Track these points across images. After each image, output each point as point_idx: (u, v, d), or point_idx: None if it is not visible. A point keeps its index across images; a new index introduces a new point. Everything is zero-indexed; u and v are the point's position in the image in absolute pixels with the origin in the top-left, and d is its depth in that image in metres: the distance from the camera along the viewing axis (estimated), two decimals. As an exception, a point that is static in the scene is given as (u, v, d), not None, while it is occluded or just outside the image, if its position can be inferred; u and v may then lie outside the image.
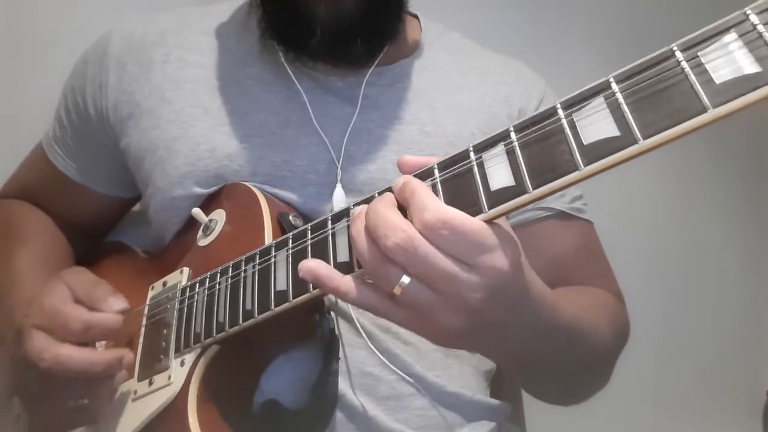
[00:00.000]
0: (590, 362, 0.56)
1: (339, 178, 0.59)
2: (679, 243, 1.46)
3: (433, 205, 0.37)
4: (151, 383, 0.52)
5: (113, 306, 0.52)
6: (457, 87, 0.66)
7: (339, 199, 0.57)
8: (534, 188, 0.35)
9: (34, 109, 0.76)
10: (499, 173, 0.37)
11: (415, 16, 0.71)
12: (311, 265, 0.41)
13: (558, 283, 0.60)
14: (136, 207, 0.74)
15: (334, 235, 0.44)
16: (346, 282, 0.40)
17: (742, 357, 1.49)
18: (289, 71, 0.62)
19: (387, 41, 0.62)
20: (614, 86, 0.34)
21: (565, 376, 0.56)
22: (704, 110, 0.30)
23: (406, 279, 0.37)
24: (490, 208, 0.36)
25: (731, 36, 0.31)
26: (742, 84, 0.30)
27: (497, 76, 0.69)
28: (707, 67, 0.31)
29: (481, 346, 0.48)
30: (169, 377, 0.51)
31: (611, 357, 0.61)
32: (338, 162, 0.59)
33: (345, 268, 0.42)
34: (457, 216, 0.36)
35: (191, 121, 0.60)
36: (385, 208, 0.38)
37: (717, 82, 0.30)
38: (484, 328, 0.40)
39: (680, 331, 1.37)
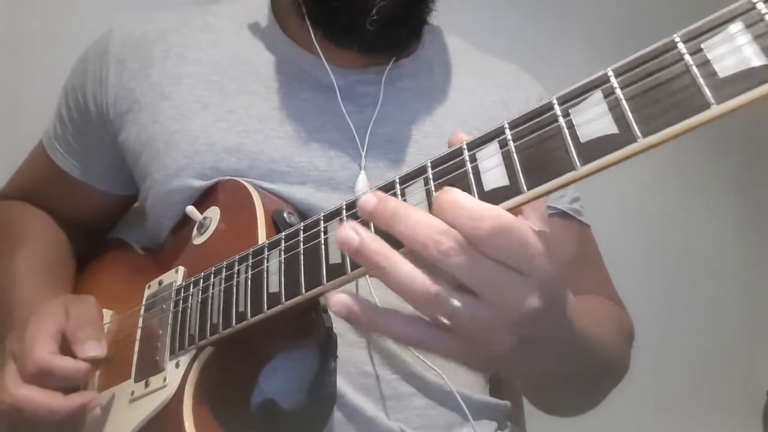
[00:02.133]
0: (605, 372, 0.55)
1: (363, 165, 0.58)
2: (678, 243, 1.46)
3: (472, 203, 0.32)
4: (147, 384, 0.52)
5: (86, 351, 0.50)
6: (456, 88, 0.66)
7: (362, 188, 0.56)
8: (528, 188, 0.33)
9: (34, 108, 0.76)
10: (492, 173, 0.35)
11: None
12: (343, 299, 0.35)
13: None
14: (136, 204, 0.74)
15: (326, 234, 0.43)
16: (385, 316, 0.35)
17: (742, 357, 1.49)
18: (323, 60, 0.61)
19: (423, 32, 0.63)
20: (613, 80, 0.32)
21: (581, 387, 0.53)
22: (707, 106, 0.28)
23: (456, 301, 0.33)
24: (483, 209, 0.35)
25: (737, 26, 0.29)
26: (749, 78, 0.28)
27: (496, 79, 0.69)
28: (711, 59, 0.29)
29: (522, 365, 0.40)
30: (165, 379, 0.50)
31: (623, 365, 0.60)
32: (362, 150, 0.59)
33: (338, 270, 0.41)
34: (503, 215, 0.32)
35: (190, 116, 0.60)
36: (416, 211, 0.33)
37: (721, 75, 0.28)
38: (532, 344, 0.36)
39: (680, 331, 1.37)
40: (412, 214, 0.33)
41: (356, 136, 0.59)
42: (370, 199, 0.34)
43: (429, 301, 0.33)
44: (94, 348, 0.51)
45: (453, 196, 0.33)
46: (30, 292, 0.61)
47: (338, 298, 0.35)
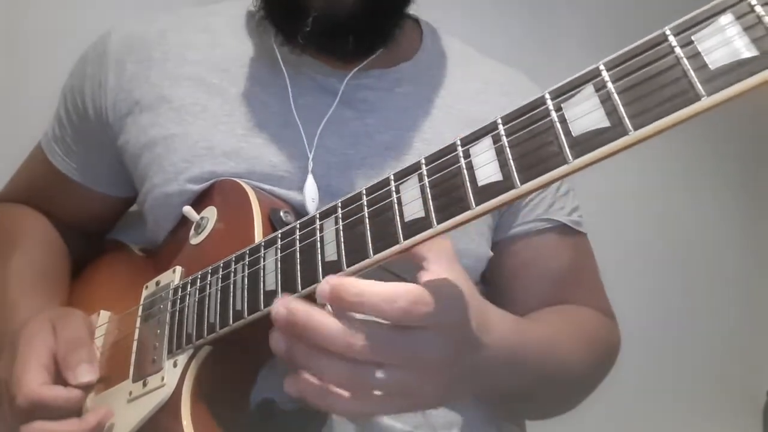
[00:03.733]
0: (568, 382, 0.57)
1: (310, 168, 0.58)
2: (678, 242, 1.45)
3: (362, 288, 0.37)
4: (145, 384, 0.52)
5: (78, 377, 0.50)
6: (456, 94, 0.65)
7: (310, 190, 0.57)
8: (522, 183, 0.33)
9: (34, 109, 0.76)
10: (486, 168, 0.35)
11: (416, 20, 0.69)
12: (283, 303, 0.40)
13: (545, 298, 0.62)
14: (134, 207, 0.74)
15: (322, 232, 0.43)
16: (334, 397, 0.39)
17: (742, 357, 1.48)
18: (279, 59, 0.61)
19: (380, 44, 0.61)
20: (604, 74, 0.32)
21: (544, 398, 0.57)
22: (698, 98, 0.29)
23: (380, 374, 0.37)
24: (477, 204, 0.35)
25: (727, 18, 0.29)
26: (739, 69, 0.28)
27: (497, 86, 0.68)
28: (701, 51, 0.29)
29: (465, 394, 0.50)
30: (162, 378, 0.50)
31: (592, 375, 0.61)
32: (310, 153, 0.58)
33: (334, 267, 0.41)
34: (387, 288, 0.37)
35: (190, 119, 0.60)
36: (320, 317, 0.38)
37: (711, 67, 0.28)
38: (466, 377, 0.42)
39: (680, 331, 1.36)
40: (319, 325, 0.38)
41: (356, 142, 0.59)
42: (280, 311, 0.39)
43: (351, 377, 0.38)
44: (86, 373, 0.50)
45: (354, 288, 0.37)
46: (22, 298, 0.61)
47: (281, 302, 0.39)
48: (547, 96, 0.34)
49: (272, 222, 0.52)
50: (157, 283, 0.56)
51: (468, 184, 0.35)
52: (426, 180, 0.38)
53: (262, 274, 0.46)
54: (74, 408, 0.50)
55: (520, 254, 0.64)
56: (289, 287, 0.43)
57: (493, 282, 0.65)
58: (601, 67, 0.32)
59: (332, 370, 0.38)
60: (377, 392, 0.38)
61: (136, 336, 0.56)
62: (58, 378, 0.51)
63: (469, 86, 0.67)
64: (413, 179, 0.39)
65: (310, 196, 0.56)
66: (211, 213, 0.56)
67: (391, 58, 0.63)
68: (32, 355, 0.50)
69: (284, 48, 0.61)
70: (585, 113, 0.32)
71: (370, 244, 0.39)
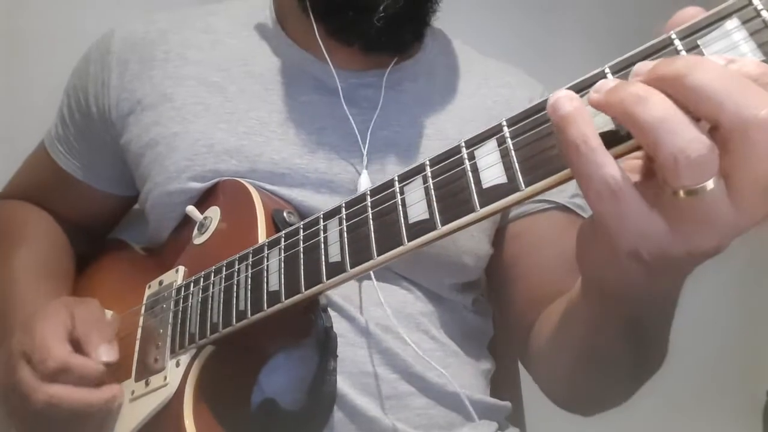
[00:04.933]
0: (661, 351, 0.52)
1: (365, 164, 0.58)
2: None
3: None
4: (147, 384, 0.52)
5: (101, 355, 0.51)
6: (457, 91, 0.66)
7: (364, 186, 0.57)
8: (527, 185, 0.33)
9: (35, 109, 0.76)
10: (491, 170, 0.35)
11: None
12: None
13: (564, 280, 0.56)
14: (136, 206, 0.74)
15: (326, 233, 0.43)
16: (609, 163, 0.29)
17: (742, 357, 1.48)
18: (328, 61, 0.61)
19: (425, 34, 0.63)
20: (609, 76, 0.32)
21: (646, 356, 0.50)
22: None
23: (709, 184, 0.27)
24: (482, 206, 0.35)
25: (733, 22, 0.29)
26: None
27: (498, 79, 0.69)
28: (706, 54, 0.29)
29: (681, 279, 0.38)
30: (165, 378, 0.50)
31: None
32: (364, 148, 0.59)
33: (337, 267, 0.41)
34: None
35: (191, 118, 0.60)
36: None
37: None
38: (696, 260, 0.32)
39: (680, 331, 1.36)
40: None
41: (359, 138, 0.59)
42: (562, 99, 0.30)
43: (694, 162, 0.27)
44: (108, 352, 0.51)
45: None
46: (28, 292, 0.62)
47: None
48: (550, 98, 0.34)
49: (275, 222, 0.52)
50: (160, 283, 0.57)
51: (473, 186, 0.35)
52: (430, 182, 0.38)
53: (265, 275, 0.46)
54: (94, 381, 0.51)
55: (525, 235, 0.64)
56: (292, 288, 0.44)
57: (498, 267, 0.65)
58: (607, 70, 0.32)
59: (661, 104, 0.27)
60: (681, 192, 0.28)
61: (138, 335, 0.56)
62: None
63: (469, 82, 0.67)
64: (417, 181, 0.39)
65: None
66: (214, 213, 0.56)
67: (392, 57, 0.64)
68: (51, 330, 0.51)
69: (290, 42, 0.62)
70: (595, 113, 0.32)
71: (374, 246, 0.39)
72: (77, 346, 0.51)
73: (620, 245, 0.31)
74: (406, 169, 0.40)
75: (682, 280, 0.38)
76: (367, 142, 0.60)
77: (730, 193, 0.28)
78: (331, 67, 0.61)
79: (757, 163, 0.26)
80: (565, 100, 0.30)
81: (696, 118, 0.27)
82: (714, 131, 0.27)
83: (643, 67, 0.29)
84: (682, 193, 0.28)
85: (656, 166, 0.29)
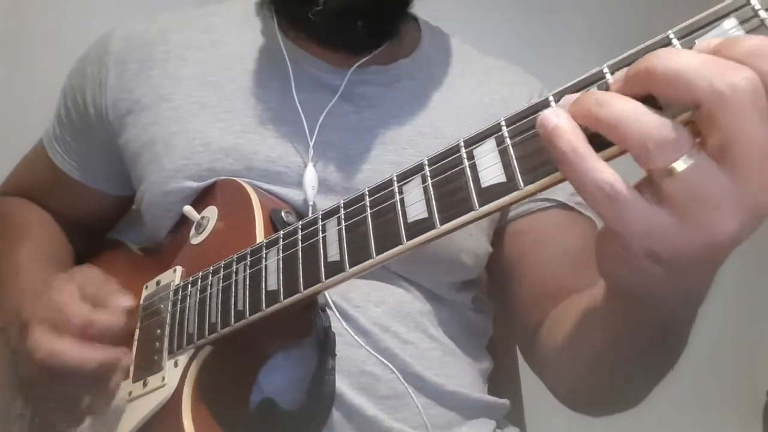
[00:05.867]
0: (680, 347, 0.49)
1: (310, 156, 0.58)
2: None
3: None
4: (145, 384, 0.52)
5: (119, 302, 0.51)
6: (455, 88, 0.66)
7: (310, 178, 0.57)
8: (526, 184, 0.33)
9: (34, 108, 0.76)
10: (490, 170, 0.35)
11: (414, 18, 0.70)
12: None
13: (569, 277, 0.57)
14: (135, 206, 0.74)
15: (324, 232, 0.43)
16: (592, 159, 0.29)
17: (742, 357, 1.48)
18: (283, 51, 0.61)
19: (387, 36, 0.62)
20: (608, 77, 0.32)
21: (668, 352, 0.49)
22: None
23: (686, 160, 0.27)
24: (481, 205, 0.35)
25: (731, 22, 0.29)
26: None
27: (496, 77, 0.68)
28: (706, 54, 0.29)
29: (713, 270, 0.36)
30: (163, 378, 0.50)
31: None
32: (311, 140, 0.58)
33: (336, 267, 0.41)
34: None
35: (189, 117, 0.60)
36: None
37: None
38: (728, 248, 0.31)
39: (678, 332, 1.36)
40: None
41: (355, 137, 0.59)
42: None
43: (659, 142, 0.27)
44: (123, 299, 0.52)
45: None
46: (33, 282, 0.61)
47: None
48: (551, 98, 0.34)
49: (273, 222, 0.52)
50: (158, 283, 0.56)
51: (471, 185, 0.35)
52: (429, 181, 0.38)
53: (263, 274, 0.46)
54: (117, 333, 0.51)
55: (527, 233, 0.63)
56: (290, 287, 0.43)
57: (500, 265, 0.64)
58: (605, 70, 0.32)
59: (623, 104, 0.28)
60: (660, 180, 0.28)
61: (136, 336, 0.55)
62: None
63: (469, 80, 0.67)
64: (416, 180, 0.39)
65: (310, 183, 0.56)
66: (212, 213, 0.56)
67: (391, 55, 0.64)
68: (68, 294, 0.51)
69: (287, 41, 0.62)
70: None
71: (372, 245, 0.39)
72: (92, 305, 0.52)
73: (633, 247, 0.31)
74: (405, 169, 0.40)
75: (712, 275, 0.36)
76: (365, 141, 0.60)
77: (732, 167, 0.28)
78: (326, 65, 0.61)
79: (747, 125, 0.27)
80: (549, 114, 0.31)
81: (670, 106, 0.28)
82: (698, 113, 0.28)
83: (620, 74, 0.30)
84: (667, 178, 0.28)
85: (636, 159, 0.29)
